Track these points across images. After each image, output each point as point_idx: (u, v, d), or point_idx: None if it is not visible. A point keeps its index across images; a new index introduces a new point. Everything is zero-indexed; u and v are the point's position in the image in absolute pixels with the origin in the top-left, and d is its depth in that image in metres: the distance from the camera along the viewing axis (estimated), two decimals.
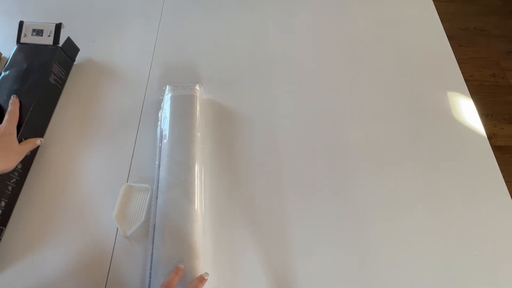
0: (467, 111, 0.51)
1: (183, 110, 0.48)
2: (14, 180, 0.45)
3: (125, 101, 0.54)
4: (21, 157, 0.44)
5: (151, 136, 0.50)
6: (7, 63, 0.52)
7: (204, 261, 0.39)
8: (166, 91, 0.51)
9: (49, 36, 0.54)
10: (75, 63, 0.59)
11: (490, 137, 1.21)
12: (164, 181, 0.43)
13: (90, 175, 0.47)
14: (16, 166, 0.44)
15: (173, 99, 0.49)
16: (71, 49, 0.57)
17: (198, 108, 0.49)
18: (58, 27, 0.54)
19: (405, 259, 0.41)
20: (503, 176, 0.45)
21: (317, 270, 0.40)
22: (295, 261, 0.41)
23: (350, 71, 0.56)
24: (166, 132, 0.46)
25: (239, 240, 0.42)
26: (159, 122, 0.49)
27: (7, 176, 0.43)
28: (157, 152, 0.46)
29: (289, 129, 0.50)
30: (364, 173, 0.46)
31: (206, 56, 0.59)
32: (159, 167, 0.45)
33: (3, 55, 0.60)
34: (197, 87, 0.51)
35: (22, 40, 0.54)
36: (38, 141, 0.48)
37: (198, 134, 0.47)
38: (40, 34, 0.54)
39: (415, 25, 0.61)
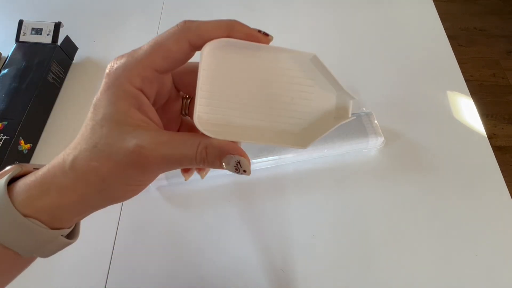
0: (467, 111, 0.51)
1: None
2: None
3: None
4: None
5: None
6: (6, 61, 0.52)
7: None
8: None
9: (48, 35, 0.54)
10: (73, 62, 0.58)
11: (490, 137, 1.20)
12: None
13: None
14: None
15: None
16: (69, 48, 0.57)
17: None
18: (57, 26, 0.54)
19: (404, 259, 0.40)
20: (504, 176, 0.45)
21: (317, 271, 0.40)
22: (295, 261, 0.41)
23: (350, 71, 0.56)
24: None
25: (239, 240, 0.42)
26: None
27: None
28: None
29: None
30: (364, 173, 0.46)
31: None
32: None
33: (2, 53, 0.60)
34: None
35: (21, 38, 0.54)
36: None
37: None
38: (39, 33, 0.54)
39: (415, 25, 0.61)
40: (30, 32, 0.54)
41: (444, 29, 0.60)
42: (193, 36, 0.19)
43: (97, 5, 0.66)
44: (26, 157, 0.47)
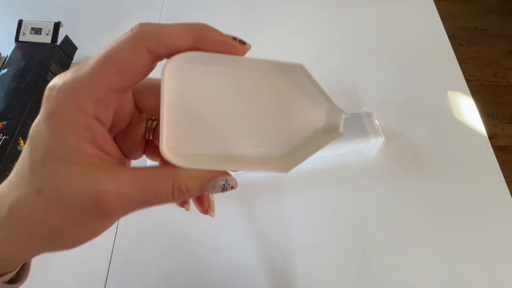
0: (467, 111, 0.51)
1: None
2: None
3: None
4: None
5: None
6: (5, 61, 0.52)
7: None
8: None
9: (47, 34, 0.54)
10: (73, 61, 0.58)
11: (491, 137, 1.20)
12: None
13: None
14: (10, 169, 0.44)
15: None
16: (69, 47, 0.57)
17: None
18: (57, 25, 0.54)
19: (405, 259, 0.40)
20: (504, 176, 0.45)
21: (317, 271, 0.40)
22: (295, 261, 0.40)
23: (350, 71, 0.56)
24: None
25: (239, 240, 0.42)
26: None
27: (2, 179, 0.43)
28: None
29: None
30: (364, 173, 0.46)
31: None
32: None
33: (1, 53, 0.60)
34: None
35: (21, 38, 0.54)
36: None
37: None
38: (39, 33, 0.54)
39: (416, 25, 0.61)
40: (29, 32, 0.54)
41: (445, 28, 0.60)
42: (153, 43, 0.16)
43: (96, 5, 0.66)
44: None
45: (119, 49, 0.16)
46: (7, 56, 0.52)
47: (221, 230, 0.43)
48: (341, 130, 0.20)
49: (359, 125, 0.46)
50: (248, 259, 0.41)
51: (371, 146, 0.46)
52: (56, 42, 0.54)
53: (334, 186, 0.45)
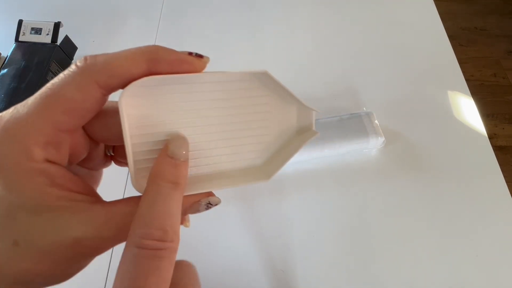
0: (467, 111, 0.51)
1: None
2: None
3: None
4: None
5: None
6: (5, 61, 0.52)
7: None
8: None
9: (47, 34, 0.54)
10: (73, 61, 0.58)
11: (491, 137, 1.20)
12: None
13: None
14: None
15: None
16: (69, 47, 0.57)
17: None
18: (57, 25, 0.54)
19: (405, 259, 0.40)
20: (504, 176, 0.45)
21: (317, 270, 0.40)
22: (295, 261, 0.40)
23: (350, 71, 0.56)
24: None
25: (239, 240, 0.42)
26: None
27: None
28: None
29: None
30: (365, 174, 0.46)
31: (206, 55, 0.58)
32: None
33: (1, 53, 0.60)
34: None
35: (21, 38, 0.53)
36: None
37: None
38: (39, 33, 0.54)
39: (416, 25, 0.61)
40: (29, 32, 0.54)
41: (445, 28, 0.60)
42: (103, 76, 0.14)
43: (96, 5, 0.66)
44: None
45: (64, 86, 0.14)
46: (7, 56, 0.52)
47: (221, 230, 0.43)
48: (314, 128, 0.20)
49: (359, 125, 0.46)
50: (248, 259, 0.41)
51: (371, 146, 0.46)
52: (56, 42, 0.54)
53: (334, 186, 0.45)
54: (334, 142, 0.45)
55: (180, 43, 0.60)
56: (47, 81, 0.54)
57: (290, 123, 0.20)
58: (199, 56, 0.16)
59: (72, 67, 0.15)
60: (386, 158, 0.47)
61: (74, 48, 0.58)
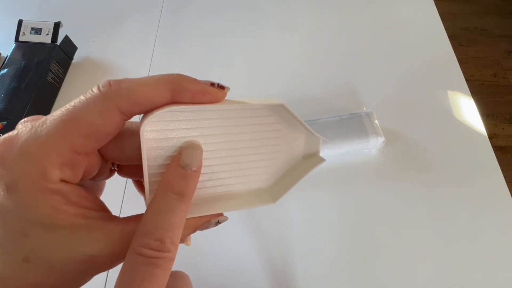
0: (467, 111, 0.51)
1: None
2: None
3: None
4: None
5: None
6: (5, 61, 0.52)
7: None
8: None
9: (47, 34, 0.54)
10: (73, 61, 0.58)
11: (491, 137, 1.20)
12: None
13: None
14: None
15: None
16: (69, 47, 0.57)
17: None
18: (57, 25, 0.54)
19: (405, 259, 0.40)
20: (504, 177, 0.45)
21: (317, 271, 0.40)
22: (295, 261, 0.40)
23: (350, 71, 0.56)
24: None
25: (239, 240, 0.42)
26: None
27: None
28: None
29: None
30: (365, 174, 0.46)
31: (206, 55, 0.58)
32: None
33: (1, 53, 0.60)
34: None
35: (21, 38, 0.54)
36: None
37: None
38: (39, 33, 0.54)
39: (416, 25, 0.61)
40: (29, 32, 0.54)
41: (445, 28, 0.60)
42: (126, 104, 0.15)
43: (96, 5, 0.66)
44: None
45: (86, 110, 0.14)
46: (7, 56, 0.52)
47: (221, 230, 0.43)
48: (320, 154, 0.21)
49: (359, 125, 0.46)
50: (248, 259, 0.41)
51: (371, 146, 0.46)
52: (56, 42, 0.54)
53: (334, 186, 0.45)
54: (334, 142, 0.45)
55: (180, 43, 0.60)
56: (47, 81, 0.55)
57: (298, 149, 0.21)
58: (221, 87, 0.16)
59: (95, 91, 0.15)
60: (386, 158, 0.47)
61: (74, 48, 0.58)
